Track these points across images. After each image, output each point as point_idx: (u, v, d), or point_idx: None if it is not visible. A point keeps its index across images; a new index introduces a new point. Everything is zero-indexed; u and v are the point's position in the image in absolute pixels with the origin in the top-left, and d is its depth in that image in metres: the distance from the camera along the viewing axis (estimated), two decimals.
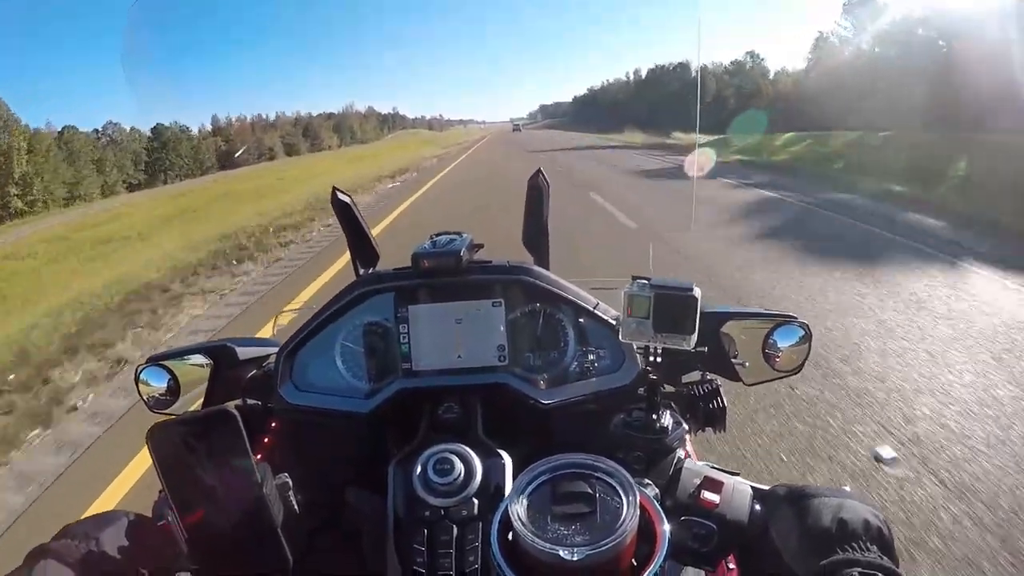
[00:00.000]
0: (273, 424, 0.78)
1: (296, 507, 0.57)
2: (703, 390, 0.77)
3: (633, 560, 0.44)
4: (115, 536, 0.55)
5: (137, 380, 0.79)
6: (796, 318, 0.70)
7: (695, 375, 0.76)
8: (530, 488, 0.48)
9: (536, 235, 0.86)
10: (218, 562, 0.49)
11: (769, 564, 0.52)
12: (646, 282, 0.64)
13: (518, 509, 0.45)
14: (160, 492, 0.48)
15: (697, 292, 0.62)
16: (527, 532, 0.43)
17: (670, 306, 0.64)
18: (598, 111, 69.89)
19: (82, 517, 0.55)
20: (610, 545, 0.43)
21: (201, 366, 0.80)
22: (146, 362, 0.78)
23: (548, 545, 0.43)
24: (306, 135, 76.94)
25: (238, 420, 0.48)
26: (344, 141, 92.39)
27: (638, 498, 0.45)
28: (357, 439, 0.76)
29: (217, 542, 0.48)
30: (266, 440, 0.75)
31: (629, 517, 0.44)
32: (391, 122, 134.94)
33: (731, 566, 0.58)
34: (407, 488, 0.61)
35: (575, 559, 0.42)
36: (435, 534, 0.58)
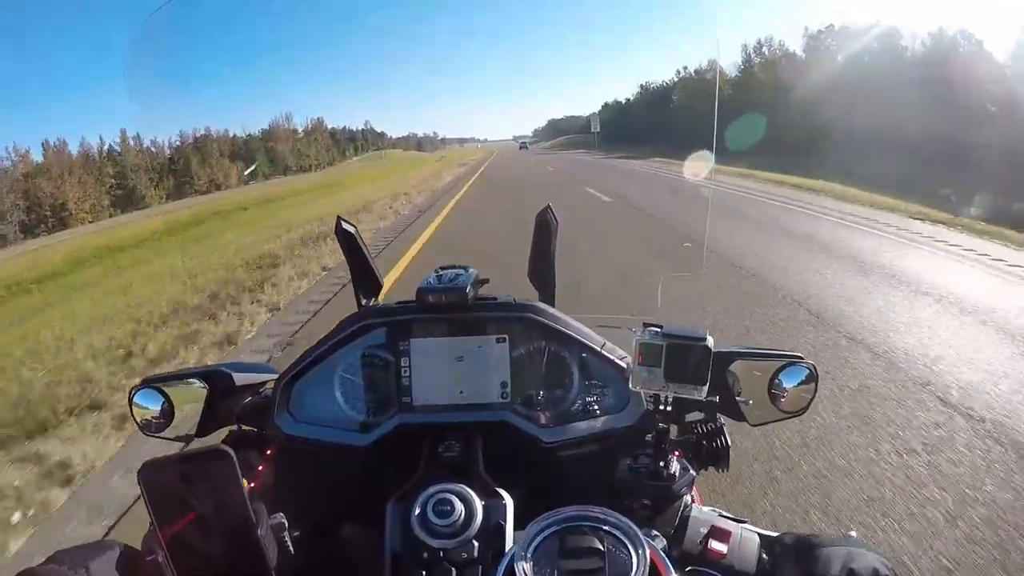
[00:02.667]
0: (268, 452, 0.85)
1: (291, 548, 0.64)
2: (706, 429, 0.82)
3: None
4: (105, 567, 0.57)
5: (131, 402, 0.86)
6: (803, 358, 0.79)
7: (698, 414, 0.83)
8: (537, 540, 0.50)
9: (543, 271, 0.93)
10: None
11: None
12: (658, 330, 0.69)
13: (524, 565, 0.47)
14: (150, 526, 0.54)
15: (710, 341, 0.67)
16: None
17: (682, 355, 0.68)
18: (649, 122, 48.01)
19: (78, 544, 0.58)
20: None
21: (196, 390, 0.86)
22: (140, 384, 0.87)
23: None
24: (173, 170, 38.23)
25: (234, 459, 0.53)
26: (257, 174, 55.28)
27: (648, 554, 0.48)
28: (354, 473, 0.81)
29: None
30: (260, 468, 0.82)
31: (639, 574, 0.46)
32: (359, 141, 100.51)
33: None
34: (405, 528, 0.65)
35: None
36: None
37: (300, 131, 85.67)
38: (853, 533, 0.58)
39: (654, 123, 45.20)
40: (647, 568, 0.47)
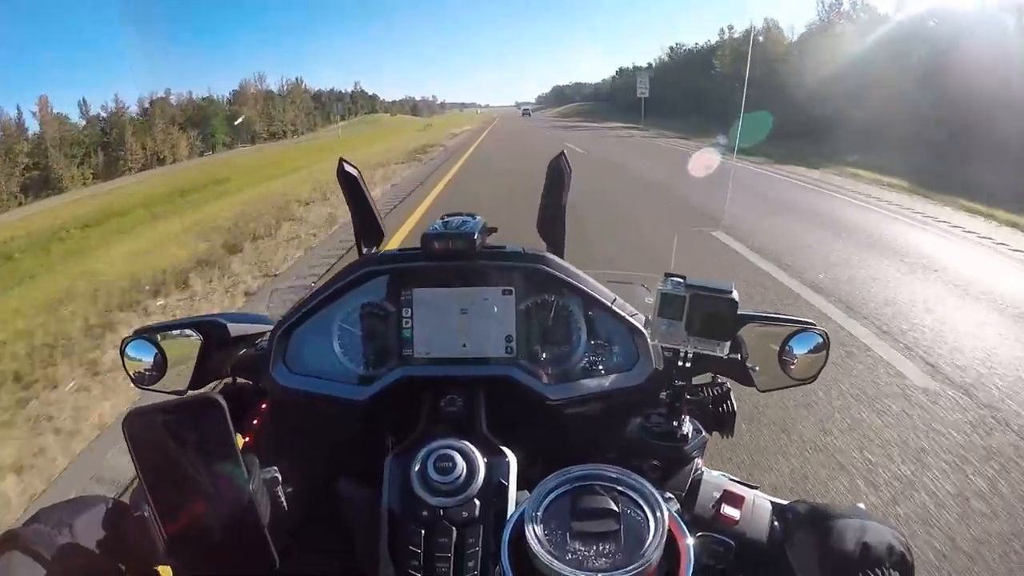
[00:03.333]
0: (263, 405, 0.85)
1: (284, 503, 0.64)
2: (713, 392, 0.83)
3: None
4: (90, 524, 0.57)
5: (122, 354, 0.86)
6: (815, 325, 0.79)
7: (705, 376, 0.84)
8: (548, 500, 0.49)
9: (552, 221, 0.92)
10: (199, 560, 0.52)
11: None
12: (681, 280, 0.68)
13: (535, 526, 0.46)
14: (136, 480, 0.53)
15: (736, 295, 0.67)
16: (544, 552, 0.44)
17: (706, 308, 0.67)
18: (681, 91, 38.70)
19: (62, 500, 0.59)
20: (637, 569, 0.43)
21: (190, 341, 0.85)
22: (132, 334, 0.86)
23: (568, 569, 0.43)
24: (106, 144, 29.76)
25: (225, 409, 0.52)
26: (216, 144, 47.17)
27: (667, 518, 0.47)
28: (352, 427, 0.82)
29: (198, 540, 0.52)
30: (255, 422, 0.82)
31: (657, 540, 0.45)
32: (347, 103, 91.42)
33: None
34: (404, 484, 0.65)
35: None
36: (433, 536, 0.62)
37: (276, 93, 75.78)
38: (861, 505, 0.59)
39: (689, 92, 38.44)
40: (665, 532, 0.45)
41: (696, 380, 0.82)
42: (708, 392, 0.82)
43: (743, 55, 32.64)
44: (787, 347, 0.76)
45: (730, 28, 41.46)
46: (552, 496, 0.48)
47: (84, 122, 48.49)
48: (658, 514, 0.46)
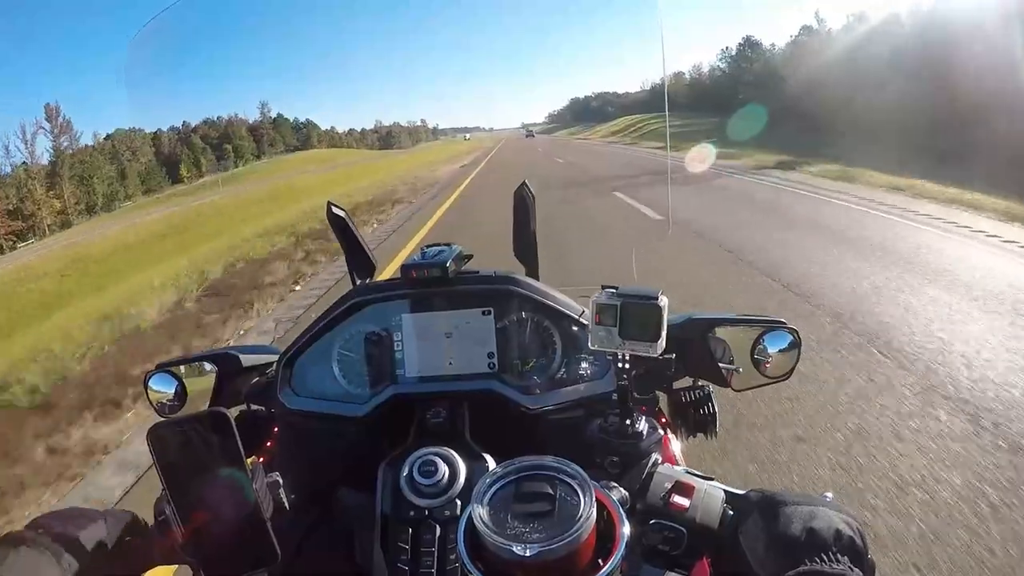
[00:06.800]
0: (275, 429, 1.07)
1: (286, 504, 0.78)
2: (694, 396, 1.01)
3: (599, 560, 0.57)
4: (89, 530, 0.68)
5: (146, 387, 1.07)
6: (785, 324, 0.94)
7: (687, 381, 1.03)
8: (494, 488, 0.60)
9: (526, 246, 1.14)
10: (212, 556, 0.66)
11: (739, 570, 0.64)
12: (613, 291, 0.81)
13: (480, 509, 0.58)
14: (162, 490, 0.66)
15: (663, 301, 0.80)
16: (487, 530, 0.55)
17: (636, 314, 0.79)
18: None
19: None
20: (564, 542, 0.53)
21: (206, 372, 1.07)
22: (154, 369, 1.08)
23: (504, 541, 0.53)
24: None
25: (230, 420, 0.66)
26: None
27: (594, 497, 0.58)
28: (351, 442, 1.01)
29: (211, 536, 0.65)
30: (268, 444, 1.04)
31: (585, 516, 0.56)
32: (243, 139, 65.87)
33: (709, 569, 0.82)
34: (394, 489, 0.83)
35: (528, 555, 0.52)
36: (419, 533, 0.79)
37: None
38: (829, 495, 0.67)
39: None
40: (593, 512, 0.56)
41: (677, 385, 0.99)
42: (688, 396, 0.98)
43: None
44: (759, 346, 0.91)
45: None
46: (499, 484, 0.59)
47: None
48: (587, 496, 0.56)
